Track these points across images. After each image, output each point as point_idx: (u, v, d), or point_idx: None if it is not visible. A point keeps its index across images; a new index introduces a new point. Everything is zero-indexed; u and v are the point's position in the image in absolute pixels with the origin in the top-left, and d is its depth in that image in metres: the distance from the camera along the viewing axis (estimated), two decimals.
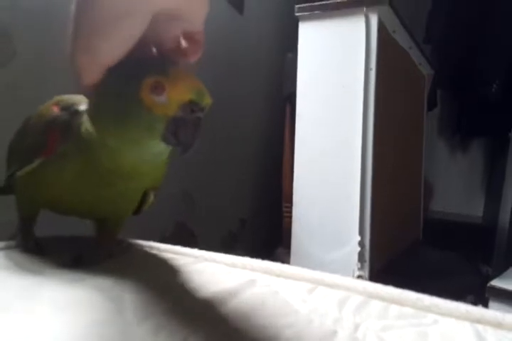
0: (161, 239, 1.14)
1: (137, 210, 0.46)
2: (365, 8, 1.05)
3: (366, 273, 1.05)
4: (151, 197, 0.45)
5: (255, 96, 1.57)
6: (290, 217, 1.22)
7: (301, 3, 1.15)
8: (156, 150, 0.35)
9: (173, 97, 0.32)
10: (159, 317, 0.29)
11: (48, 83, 0.82)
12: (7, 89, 0.78)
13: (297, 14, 1.14)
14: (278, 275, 0.41)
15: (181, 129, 0.33)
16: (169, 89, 0.32)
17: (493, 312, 0.34)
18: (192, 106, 0.32)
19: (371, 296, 0.37)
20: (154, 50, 0.37)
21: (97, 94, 0.34)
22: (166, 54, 0.36)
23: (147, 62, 0.34)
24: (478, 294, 1.01)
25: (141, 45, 0.33)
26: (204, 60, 0.37)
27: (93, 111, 0.36)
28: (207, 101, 0.33)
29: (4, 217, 0.55)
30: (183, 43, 0.37)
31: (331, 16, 1.10)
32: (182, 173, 1.19)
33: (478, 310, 0.34)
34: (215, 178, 1.39)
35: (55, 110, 0.40)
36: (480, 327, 0.32)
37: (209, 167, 1.34)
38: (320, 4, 1.12)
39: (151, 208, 0.47)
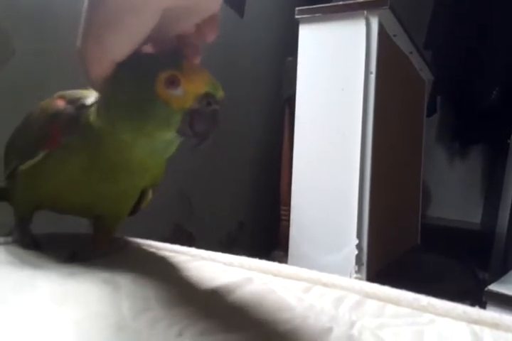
0: (159, 241, 1.14)
1: (135, 209, 0.46)
2: (365, 12, 1.05)
3: (363, 276, 1.05)
4: (150, 195, 0.45)
5: (254, 100, 1.57)
6: (287, 220, 1.22)
7: (301, 6, 1.15)
8: (169, 143, 0.36)
9: (189, 90, 0.33)
10: (155, 311, 0.29)
11: (46, 81, 0.82)
12: (6, 87, 0.78)
13: (297, 17, 1.15)
14: (275, 275, 0.41)
15: (197, 121, 0.33)
16: (185, 82, 0.33)
17: (491, 313, 0.33)
18: (208, 98, 0.33)
19: (368, 296, 0.37)
20: (167, 43, 0.37)
21: (111, 89, 0.34)
22: (182, 49, 0.36)
23: (160, 57, 0.34)
24: (475, 299, 1.01)
25: (154, 40, 0.33)
26: (203, 63, 0.37)
27: (106, 106, 0.36)
28: (221, 93, 0.34)
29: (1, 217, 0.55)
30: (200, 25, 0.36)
31: (331, 19, 1.11)
32: (180, 176, 1.19)
33: (475, 311, 0.34)
34: (214, 181, 1.39)
35: (61, 103, 0.40)
36: (477, 327, 0.32)
37: (207, 170, 1.34)
38: (320, 7, 1.12)
39: (149, 210, 0.46)
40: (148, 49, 0.37)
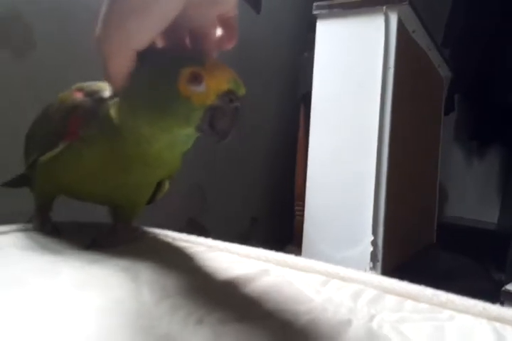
0: None
1: (152, 198, 0.46)
2: (384, 7, 1.05)
3: (378, 273, 1.04)
4: (166, 186, 0.45)
5: (270, 95, 1.57)
6: (302, 216, 1.21)
7: (319, 1, 1.14)
8: (187, 137, 0.36)
9: (211, 87, 0.32)
10: (176, 298, 0.30)
11: (67, 74, 0.82)
12: (27, 79, 0.78)
13: (315, 12, 1.14)
14: (292, 267, 0.41)
15: (219, 118, 0.33)
16: (207, 78, 0.32)
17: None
18: (230, 95, 0.33)
19: (386, 291, 0.36)
20: (189, 40, 0.36)
21: (133, 83, 0.34)
22: (202, 42, 0.36)
23: (183, 53, 0.34)
24: (489, 299, 1.00)
25: (177, 33, 0.33)
26: (220, 59, 0.37)
27: (127, 100, 0.35)
28: (242, 90, 0.34)
29: (18, 206, 0.55)
30: (219, 31, 0.37)
31: (349, 14, 1.10)
32: (196, 170, 1.20)
33: (495, 308, 0.33)
34: (228, 175, 1.40)
35: (79, 96, 0.40)
36: (498, 324, 0.31)
37: (222, 164, 1.34)
38: (339, 2, 1.11)
39: (163, 203, 0.47)
40: (160, 42, 0.37)
